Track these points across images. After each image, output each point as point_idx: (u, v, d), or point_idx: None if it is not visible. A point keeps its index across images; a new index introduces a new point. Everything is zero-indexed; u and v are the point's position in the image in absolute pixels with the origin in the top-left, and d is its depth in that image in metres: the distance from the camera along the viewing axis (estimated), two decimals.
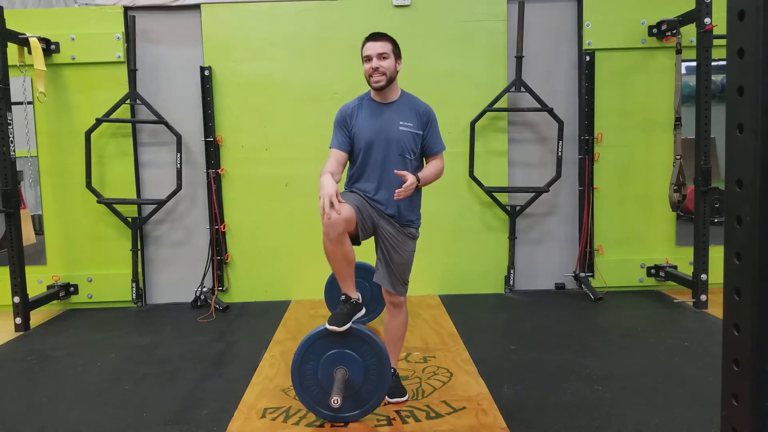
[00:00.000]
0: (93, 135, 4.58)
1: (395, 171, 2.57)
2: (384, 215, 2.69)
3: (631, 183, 4.79)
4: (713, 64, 4.06)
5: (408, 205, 2.70)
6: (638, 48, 4.67)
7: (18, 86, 4.41)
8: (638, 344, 3.53)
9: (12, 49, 4.20)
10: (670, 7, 4.47)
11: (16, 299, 4.14)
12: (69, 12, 4.88)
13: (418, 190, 2.71)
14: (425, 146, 2.72)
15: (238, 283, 4.84)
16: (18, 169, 4.23)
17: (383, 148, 2.65)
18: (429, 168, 2.73)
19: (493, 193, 4.72)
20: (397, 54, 2.66)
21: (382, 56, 2.60)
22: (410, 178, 2.51)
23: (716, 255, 4.10)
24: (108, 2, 4.62)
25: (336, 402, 2.37)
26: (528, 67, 4.68)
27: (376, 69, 2.60)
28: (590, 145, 4.71)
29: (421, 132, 2.69)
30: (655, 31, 4.59)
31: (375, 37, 2.64)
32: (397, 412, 2.67)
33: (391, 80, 2.64)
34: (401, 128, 2.65)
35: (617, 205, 4.80)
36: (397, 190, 2.51)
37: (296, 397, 2.65)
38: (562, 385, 2.93)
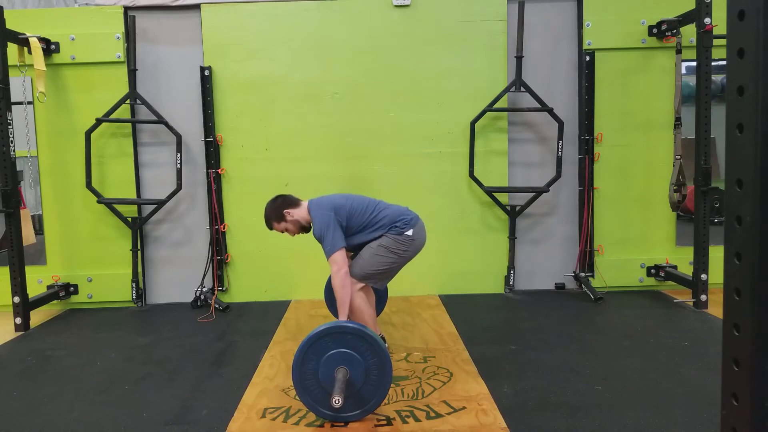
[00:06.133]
0: (93, 135, 4.58)
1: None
2: None
3: (631, 183, 4.79)
4: (713, 64, 4.06)
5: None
6: (638, 48, 4.66)
7: (18, 86, 4.41)
8: (638, 344, 3.53)
9: (12, 49, 4.20)
10: (670, 7, 4.47)
11: (16, 299, 4.15)
12: (69, 12, 4.88)
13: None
14: None
15: (238, 283, 4.84)
16: (18, 169, 4.23)
17: None
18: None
19: (493, 193, 4.72)
20: (286, 216, 3.21)
21: (284, 232, 3.28)
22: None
23: (716, 255, 4.10)
24: (108, 2, 4.62)
25: (337, 402, 2.37)
26: (528, 67, 4.68)
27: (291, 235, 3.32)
28: (590, 145, 4.71)
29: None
30: (655, 31, 4.59)
31: (267, 227, 3.30)
32: (397, 412, 2.67)
33: (302, 226, 3.25)
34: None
35: (617, 205, 4.80)
36: None
37: (296, 397, 2.65)
38: (562, 385, 2.93)
